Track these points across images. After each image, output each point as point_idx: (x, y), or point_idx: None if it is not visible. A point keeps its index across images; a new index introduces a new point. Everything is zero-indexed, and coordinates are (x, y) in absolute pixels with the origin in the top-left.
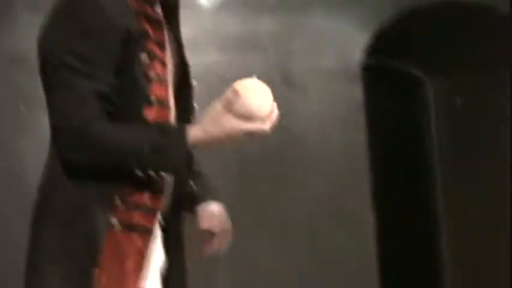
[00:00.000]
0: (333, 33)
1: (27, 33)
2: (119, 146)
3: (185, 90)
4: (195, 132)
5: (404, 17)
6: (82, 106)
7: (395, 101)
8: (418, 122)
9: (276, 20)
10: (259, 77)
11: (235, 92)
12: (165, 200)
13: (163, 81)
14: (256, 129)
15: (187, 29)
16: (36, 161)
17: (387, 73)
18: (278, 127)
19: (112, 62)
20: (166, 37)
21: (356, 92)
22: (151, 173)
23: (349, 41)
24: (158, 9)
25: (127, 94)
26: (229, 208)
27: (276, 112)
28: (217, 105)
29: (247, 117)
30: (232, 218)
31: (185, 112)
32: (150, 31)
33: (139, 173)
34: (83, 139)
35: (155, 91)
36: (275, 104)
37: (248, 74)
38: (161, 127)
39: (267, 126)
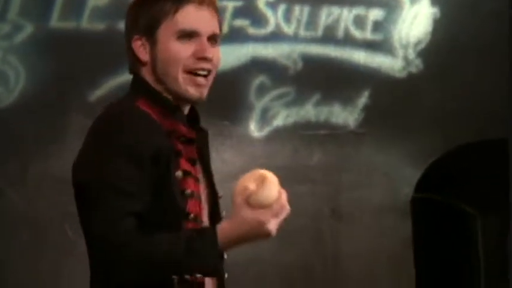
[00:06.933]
0: (383, 168)
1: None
2: (156, 258)
3: (214, 220)
4: (222, 226)
5: (453, 154)
6: (122, 224)
7: (444, 237)
8: (468, 258)
9: (326, 152)
10: (307, 209)
11: (261, 183)
12: None
13: (197, 198)
14: (268, 217)
15: (237, 159)
16: (80, 283)
17: (436, 209)
18: (324, 258)
19: (149, 182)
20: (197, 156)
21: (405, 227)
22: (187, 276)
23: (399, 176)
24: (190, 129)
25: (164, 211)
26: None
27: (283, 196)
28: (238, 199)
29: (264, 206)
30: None
31: None
32: (182, 149)
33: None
34: (124, 256)
35: (190, 207)
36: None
37: (297, 205)
38: (194, 230)
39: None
